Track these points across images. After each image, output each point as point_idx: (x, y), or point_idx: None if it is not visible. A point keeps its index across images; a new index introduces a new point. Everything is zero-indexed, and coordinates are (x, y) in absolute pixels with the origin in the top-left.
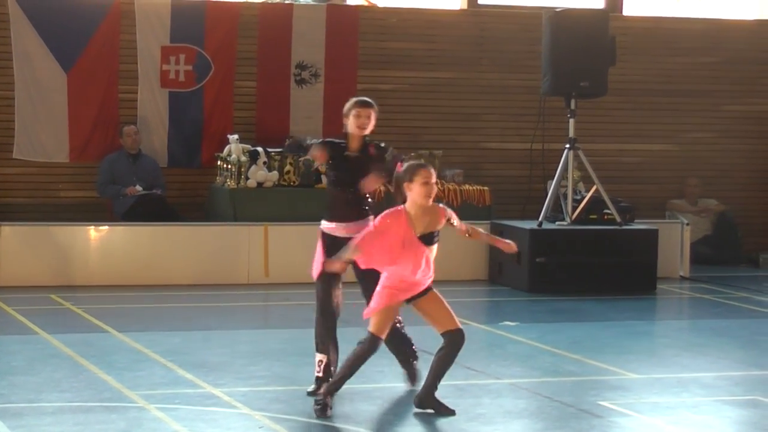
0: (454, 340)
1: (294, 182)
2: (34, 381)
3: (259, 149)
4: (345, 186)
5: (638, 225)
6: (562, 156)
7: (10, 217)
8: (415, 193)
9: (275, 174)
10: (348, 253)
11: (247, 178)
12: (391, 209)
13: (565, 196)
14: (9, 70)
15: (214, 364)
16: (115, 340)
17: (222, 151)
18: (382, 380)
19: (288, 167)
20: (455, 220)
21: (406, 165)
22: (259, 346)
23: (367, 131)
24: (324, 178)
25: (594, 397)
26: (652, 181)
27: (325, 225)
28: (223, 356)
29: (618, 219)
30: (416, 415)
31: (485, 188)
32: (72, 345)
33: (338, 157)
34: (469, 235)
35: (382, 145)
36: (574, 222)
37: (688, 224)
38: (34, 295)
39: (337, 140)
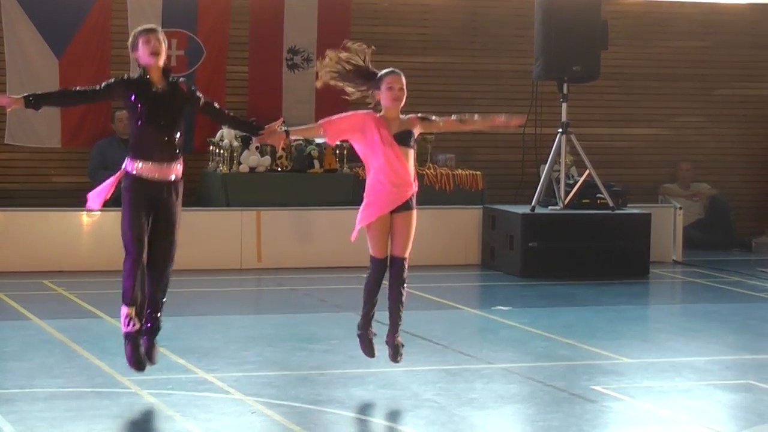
0: (393, 269)
1: (286, 167)
2: (27, 367)
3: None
4: (156, 122)
5: (631, 209)
6: (554, 140)
7: (2, 203)
8: (383, 98)
9: (268, 159)
10: (310, 129)
11: (239, 163)
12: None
13: (558, 180)
14: (0, 56)
15: (207, 349)
16: (107, 325)
17: (214, 136)
18: (376, 365)
19: (281, 152)
20: (434, 117)
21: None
22: (252, 332)
23: (162, 60)
24: (317, 163)
25: (587, 381)
26: (644, 165)
27: (132, 165)
28: (216, 341)
29: (611, 203)
30: (409, 400)
31: (478, 173)
32: (64, 330)
33: (144, 92)
34: (462, 122)
35: (193, 87)
36: (567, 206)
37: (680, 208)
38: (27, 280)
39: (133, 77)
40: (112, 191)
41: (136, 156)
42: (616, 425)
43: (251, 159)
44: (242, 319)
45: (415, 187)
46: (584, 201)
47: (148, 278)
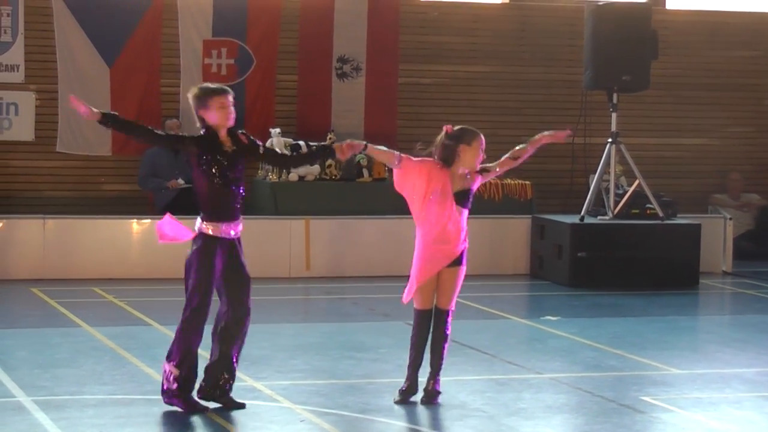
0: (436, 318)
1: (335, 176)
2: (77, 373)
3: (301, 143)
4: (228, 182)
5: (680, 220)
6: (604, 150)
7: (54, 210)
8: (468, 156)
9: (317, 167)
10: (388, 154)
11: (288, 172)
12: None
13: (607, 190)
14: (53, 64)
15: (255, 357)
16: (157, 332)
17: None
18: (422, 375)
19: (329, 161)
20: (490, 165)
21: (459, 128)
22: (300, 340)
23: (232, 121)
24: (365, 172)
25: (636, 392)
26: (694, 175)
27: (208, 226)
28: (264, 350)
29: (660, 214)
30: (457, 410)
31: (527, 182)
32: (114, 338)
33: (217, 152)
34: (515, 158)
35: (251, 137)
36: (616, 216)
37: (730, 219)
38: (77, 287)
39: (205, 135)
40: (180, 241)
41: (212, 216)
42: None
43: (300, 168)
44: (291, 328)
45: (465, 244)
46: (634, 211)
47: (219, 338)
